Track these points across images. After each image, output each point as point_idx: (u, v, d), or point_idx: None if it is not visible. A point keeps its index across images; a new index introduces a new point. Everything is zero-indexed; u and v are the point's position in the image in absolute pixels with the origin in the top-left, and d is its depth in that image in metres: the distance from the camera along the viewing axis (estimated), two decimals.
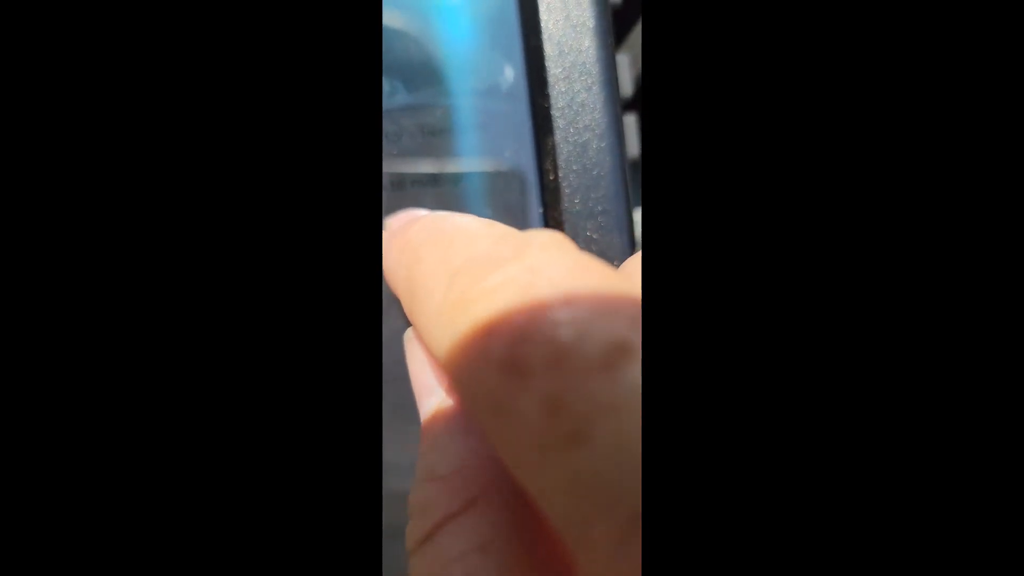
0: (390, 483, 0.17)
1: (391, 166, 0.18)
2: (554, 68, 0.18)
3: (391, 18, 0.18)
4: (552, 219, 0.18)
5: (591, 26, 0.18)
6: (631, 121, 0.25)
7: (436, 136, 0.18)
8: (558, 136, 0.18)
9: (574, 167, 0.18)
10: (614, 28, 0.19)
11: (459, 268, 0.12)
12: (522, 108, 0.18)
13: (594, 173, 0.18)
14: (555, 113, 0.18)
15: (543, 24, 0.18)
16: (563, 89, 0.18)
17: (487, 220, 0.14)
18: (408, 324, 0.15)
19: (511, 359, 0.10)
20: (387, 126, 0.18)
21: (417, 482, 0.13)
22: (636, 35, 0.26)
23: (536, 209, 0.18)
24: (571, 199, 0.18)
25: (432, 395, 0.14)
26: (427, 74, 0.18)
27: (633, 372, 0.10)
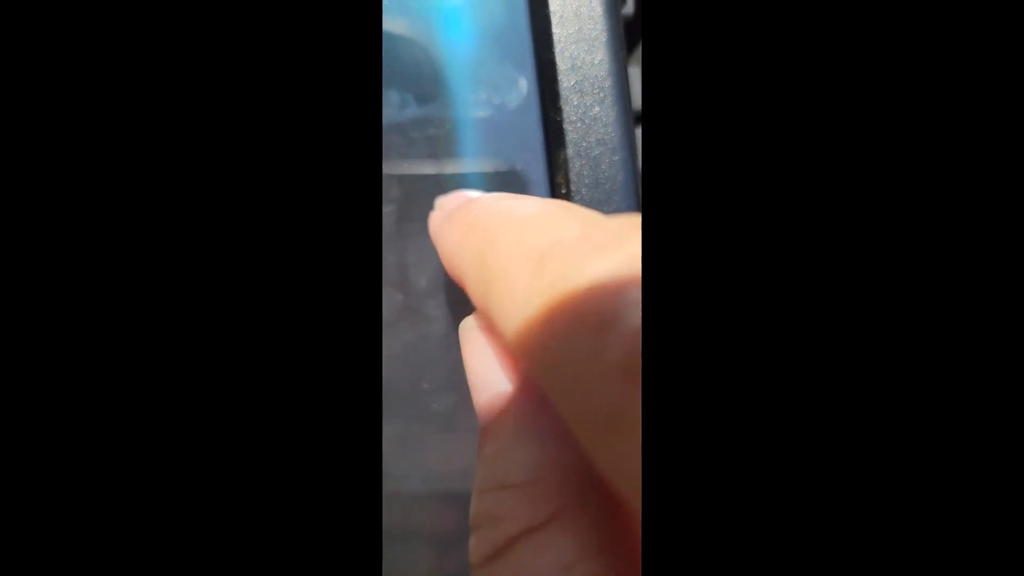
0: (389, 485, 0.17)
1: (395, 170, 0.18)
2: (566, 81, 0.18)
3: (403, 30, 0.18)
4: None
5: (603, 39, 0.18)
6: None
7: (446, 148, 0.18)
8: (570, 150, 0.18)
9: (586, 180, 0.18)
10: (625, 41, 0.19)
11: (547, 252, 0.11)
12: (534, 121, 0.18)
13: (606, 187, 0.18)
14: (567, 127, 0.18)
15: (555, 37, 0.18)
16: (575, 102, 0.18)
17: (557, 201, 0.13)
18: (414, 333, 0.15)
19: (634, 360, 0.09)
20: (396, 138, 0.18)
21: (483, 490, 0.12)
22: None
23: None
24: None
25: (496, 394, 0.13)
26: (438, 87, 0.18)
27: None
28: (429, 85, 0.18)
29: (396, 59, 0.18)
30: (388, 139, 0.18)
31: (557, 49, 0.18)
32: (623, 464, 0.09)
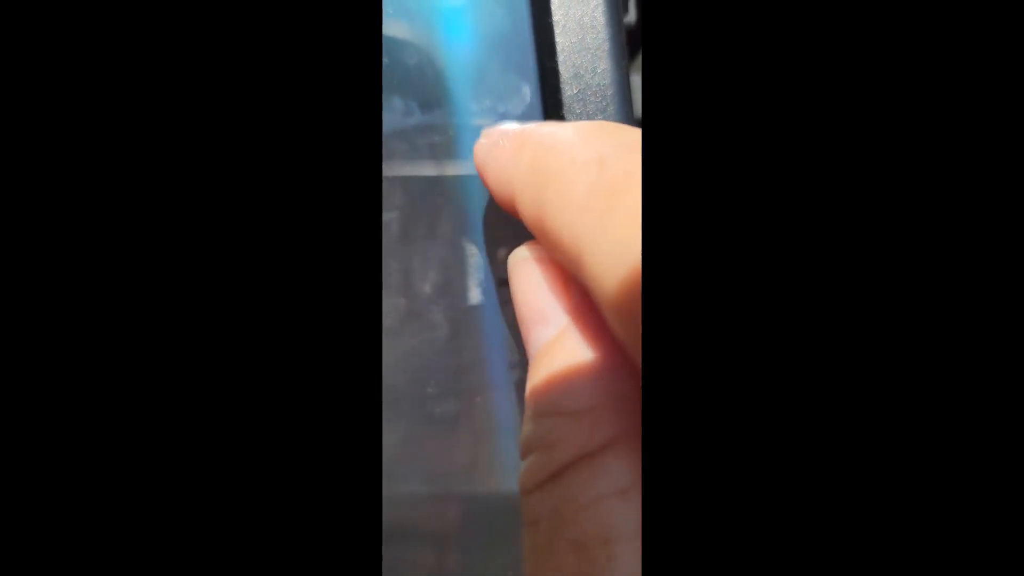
0: (393, 488, 0.17)
1: (399, 176, 0.18)
2: (569, 90, 0.18)
3: (409, 37, 0.18)
4: None
5: (606, 48, 0.18)
6: None
7: (449, 155, 0.18)
8: None
9: None
10: (628, 49, 0.19)
11: (607, 153, 0.11)
12: None
13: None
14: None
15: (558, 46, 0.18)
16: (578, 111, 0.18)
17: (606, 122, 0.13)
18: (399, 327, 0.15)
19: None
20: (401, 144, 0.18)
21: (536, 416, 0.12)
22: None
23: None
24: None
25: (550, 323, 0.13)
26: (443, 94, 0.18)
27: None
28: (433, 92, 0.18)
29: (400, 66, 0.18)
30: (392, 146, 0.18)
31: (560, 58, 0.18)
32: None
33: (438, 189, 0.18)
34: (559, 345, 0.13)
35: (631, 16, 0.25)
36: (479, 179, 0.18)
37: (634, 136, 0.12)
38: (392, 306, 0.17)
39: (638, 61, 0.26)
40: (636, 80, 0.26)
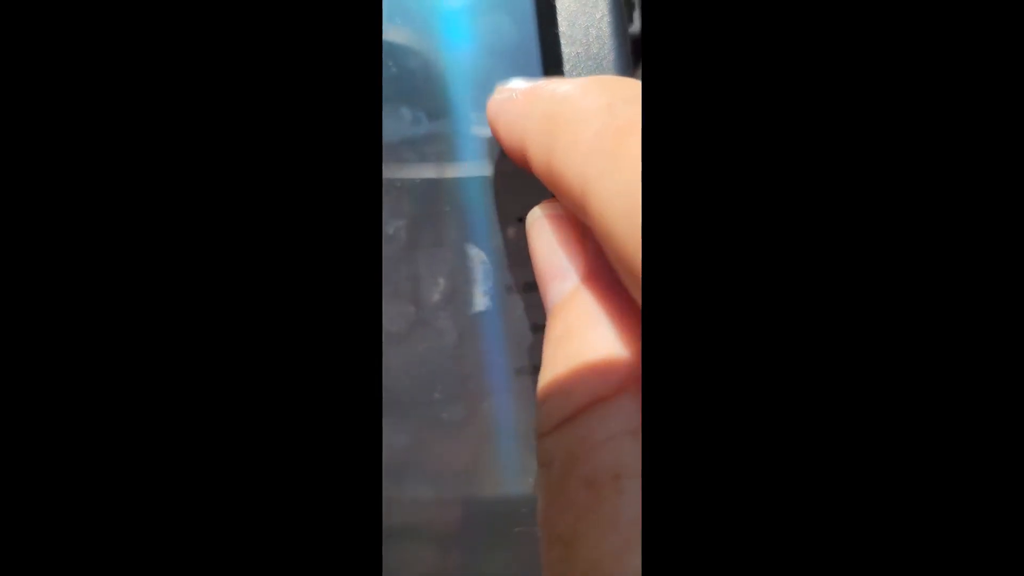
0: (399, 491, 0.17)
1: (407, 184, 0.18)
2: None
3: (415, 46, 0.19)
4: None
5: (611, 58, 0.18)
6: None
7: (455, 161, 0.19)
8: None
9: None
10: (633, 59, 0.19)
11: (619, 98, 0.12)
12: None
13: None
14: None
15: (564, 56, 0.18)
16: None
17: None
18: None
19: None
20: (408, 153, 0.18)
21: (552, 367, 0.13)
22: None
23: None
24: None
25: (565, 279, 0.14)
26: (451, 104, 0.18)
27: None
28: (440, 101, 0.19)
29: (408, 75, 0.18)
30: (400, 154, 0.18)
31: (566, 68, 0.18)
32: None
33: (445, 195, 0.18)
34: (575, 298, 0.13)
35: (636, 26, 0.25)
36: (484, 181, 0.18)
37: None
38: (401, 313, 0.18)
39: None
40: None
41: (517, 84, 0.15)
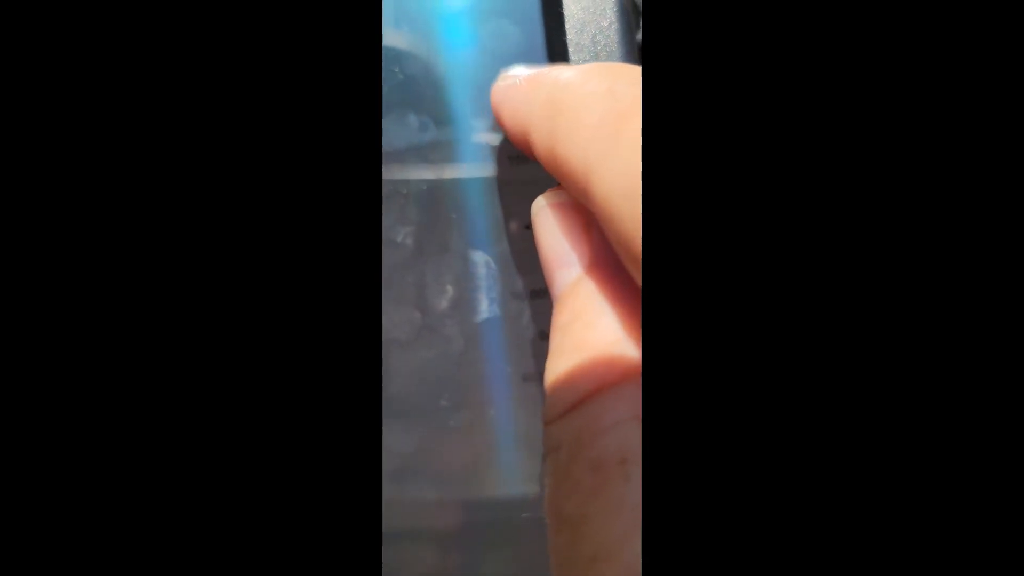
0: (394, 490, 0.17)
1: (415, 190, 0.18)
2: None
3: (420, 52, 0.19)
4: None
5: None
6: None
7: (462, 170, 0.19)
8: None
9: None
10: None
11: (620, 85, 0.12)
12: None
13: None
14: None
15: (572, 63, 0.18)
16: None
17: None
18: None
19: None
20: (416, 159, 0.18)
21: (559, 354, 0.13)
22: None
23: None
24: None
25: (571, 267, 0.14)
26: (458, 111, 0.19)
27: None
28: (447, 108, 0.19)
29: (414, 82, 0.18)
30: (407, 160, 0.18)
31: None
32: None
33: (452, 202, 0.18)
34: (581, 286, 0.13)
35: (643, 35, 0.25)
36: (491, 187, 0.18)
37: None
38: (407, 319, 0.18)
39: None
40: None
41: (520, 71, 0.15)
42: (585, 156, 0.12)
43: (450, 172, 0.18)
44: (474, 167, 0.18)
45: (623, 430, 0.11)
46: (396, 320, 0.18)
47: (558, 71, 0.14)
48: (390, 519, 0.17)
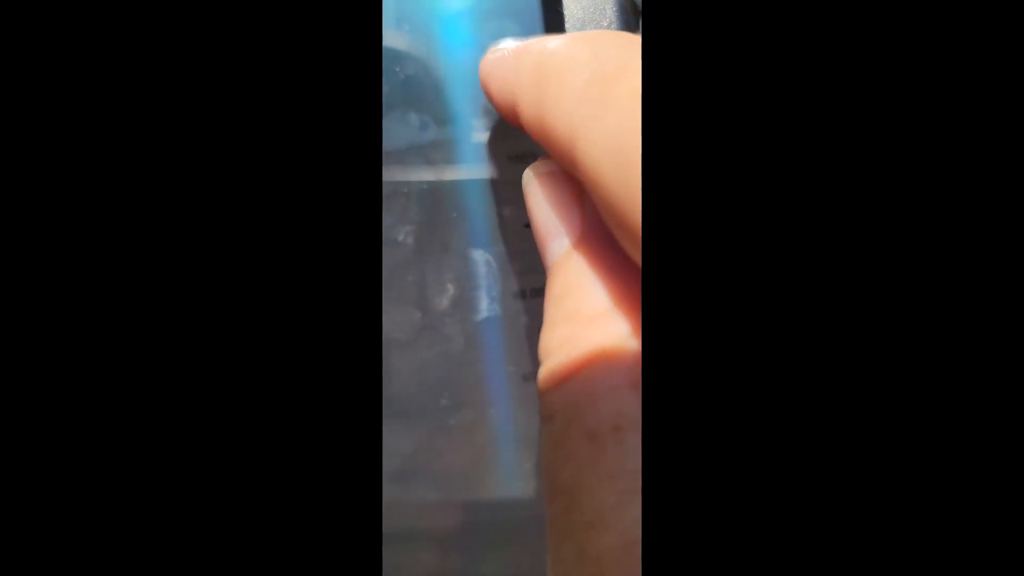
0: (395, 490, 0.17)
1: (415, 190, 0.18)
2: None
3: (422, 54, 0.19)
4: None
5: None
6: None
7: (463, 169, 0.19)
8: None
9: None
10: None
11: (605, 49, 0.12)
12: None
13: None
14: None
15: None
16: None
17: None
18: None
19: None
20: (417, 159, 0.18)
21: (553, 324, 0.13)
22: None
23: None
24: None
25: (562, 236, 0.14)
26: (458, 111, 0.19)
27: None
28: (448, 107, 0.19)
29: (415, 81, 0.18)
30: (409, 160, 0.18)
31: None
32: None
33: (453, 201, 0.18)
34: (573, 255, 0.13)
35: None
36: (491, 186, 0.18)
37: (631, 38, 0.12)
38: (408, 319, 0.18)
39: None
40: None
41: (508, 43, 0.15)
42: (571, 121, 0.12)
43: (450, 172, 0.18)
44: (474, 167, 0.18)
45: (617, 397, 0.12)
46: (396, 320, 0.18)
47: (545, 40, 0.14)
48: (390, 519, 0.17)
